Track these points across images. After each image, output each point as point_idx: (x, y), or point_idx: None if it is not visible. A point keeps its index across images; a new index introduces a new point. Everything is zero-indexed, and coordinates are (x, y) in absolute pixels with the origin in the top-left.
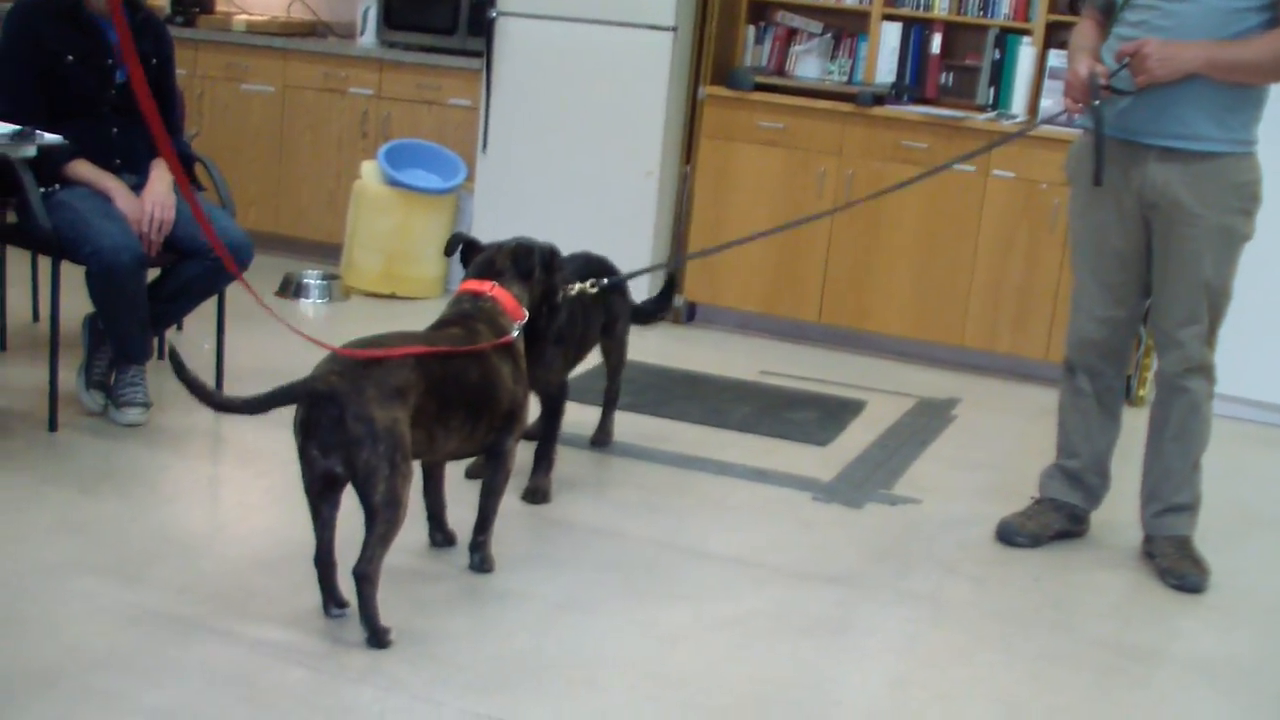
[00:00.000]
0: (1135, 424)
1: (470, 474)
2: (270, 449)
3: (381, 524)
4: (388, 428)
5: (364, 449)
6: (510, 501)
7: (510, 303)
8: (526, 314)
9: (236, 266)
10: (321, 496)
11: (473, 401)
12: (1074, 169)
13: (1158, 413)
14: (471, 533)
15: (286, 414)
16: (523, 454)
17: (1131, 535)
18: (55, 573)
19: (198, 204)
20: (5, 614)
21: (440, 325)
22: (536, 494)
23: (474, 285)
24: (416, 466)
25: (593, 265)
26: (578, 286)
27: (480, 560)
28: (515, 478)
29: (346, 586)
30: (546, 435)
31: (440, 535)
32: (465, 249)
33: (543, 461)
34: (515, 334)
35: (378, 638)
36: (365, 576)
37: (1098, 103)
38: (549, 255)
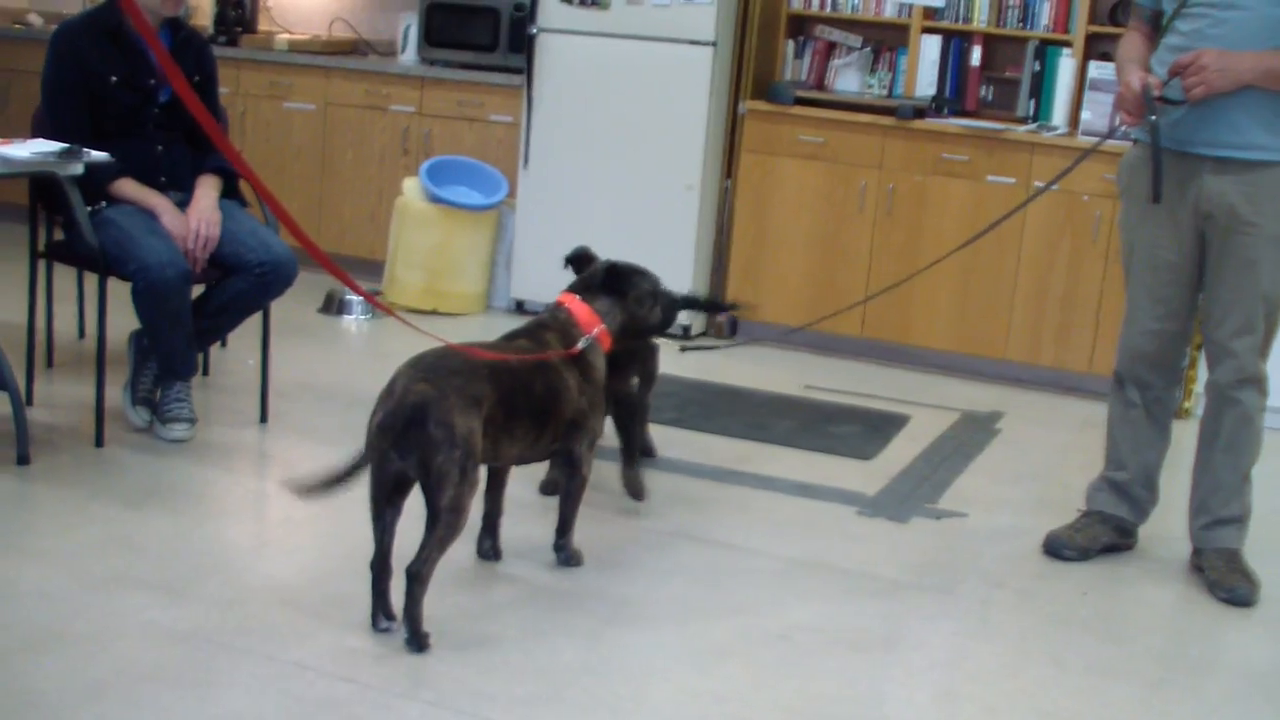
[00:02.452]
0: (1180, 437)
1: (545, 490)
2: (314, 463)
3: (443, 527)
4: (465, 435)
5: (440, 454)
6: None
7: (585, 315)
8: (603, 327)
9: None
10: (388, 500)
11: (537, 411)
12: (1126, 182)
13: (1208, 424)
14: (554, 535)
15: (330, 429)
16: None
17: (1180, 548)
18: (103, 588)
19: (274, 199)
20: (54, 629)
21: (511, 336)
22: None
23: (560, 297)
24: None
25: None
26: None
27: (566, 557)
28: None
29: (397, 598)
30: (628, 434)
31: (490, 544)
32: (578, 262)
33: (630, 458)
34: (582, 346)
35: (418, 640)
36: (418, 576)
37: (1154, 117)
38: (643, 280)
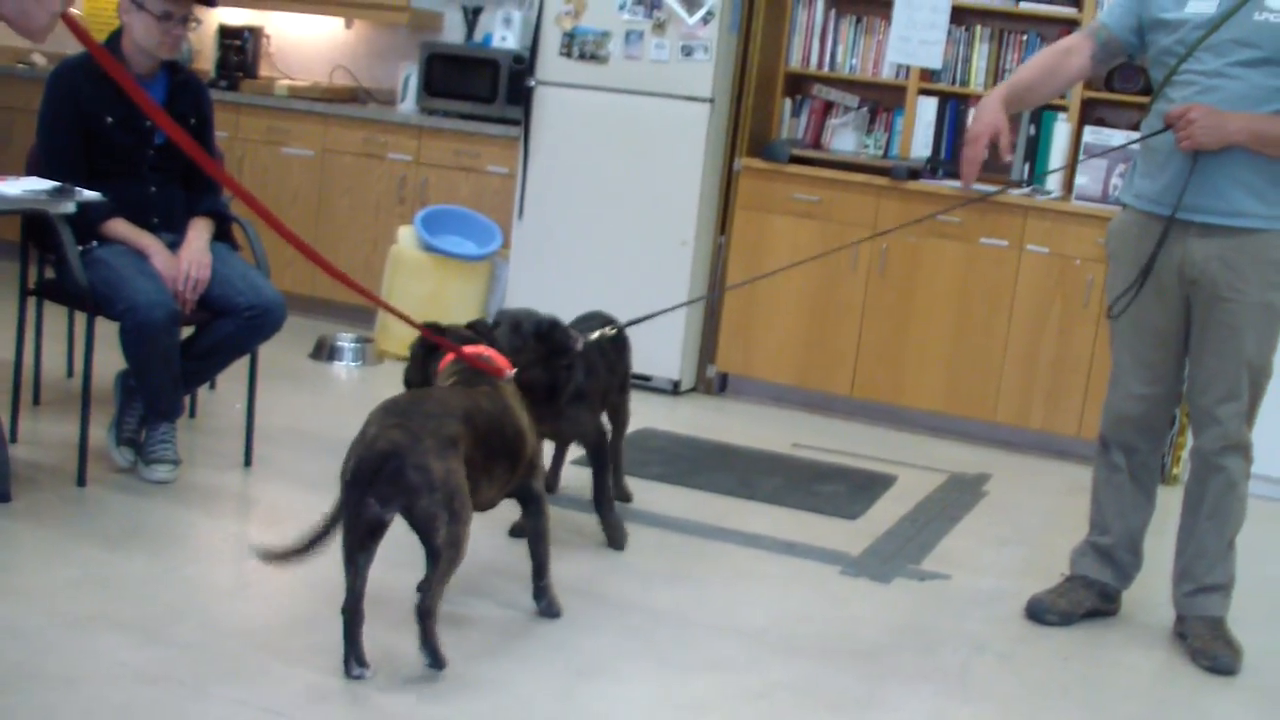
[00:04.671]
0: (1168, 502)
1: (514, 532)
2: (297, 509)
3: (444, 563)
4: (443, 477)
5: (423, 498)
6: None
7: (500, 359)
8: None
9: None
10: (362, 545)
11: (510, 452)
12: (1114, 245)
13: (1193, 491)
14: (533, 580)
15: (315, 475)
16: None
17: (1163, 615)
18: (77, 627)
19: (271, 214)
20: (26, 668)
21: (464, 385)
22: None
23: (467, 349)
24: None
25: (604, 320)
26: (596, 334)
27: (547, 604)
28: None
29: (371, 643)
30: (599, 479)
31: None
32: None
33: (604, 504)
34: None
35: (437, 661)
36: (429, 612)
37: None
38: (545, 325)
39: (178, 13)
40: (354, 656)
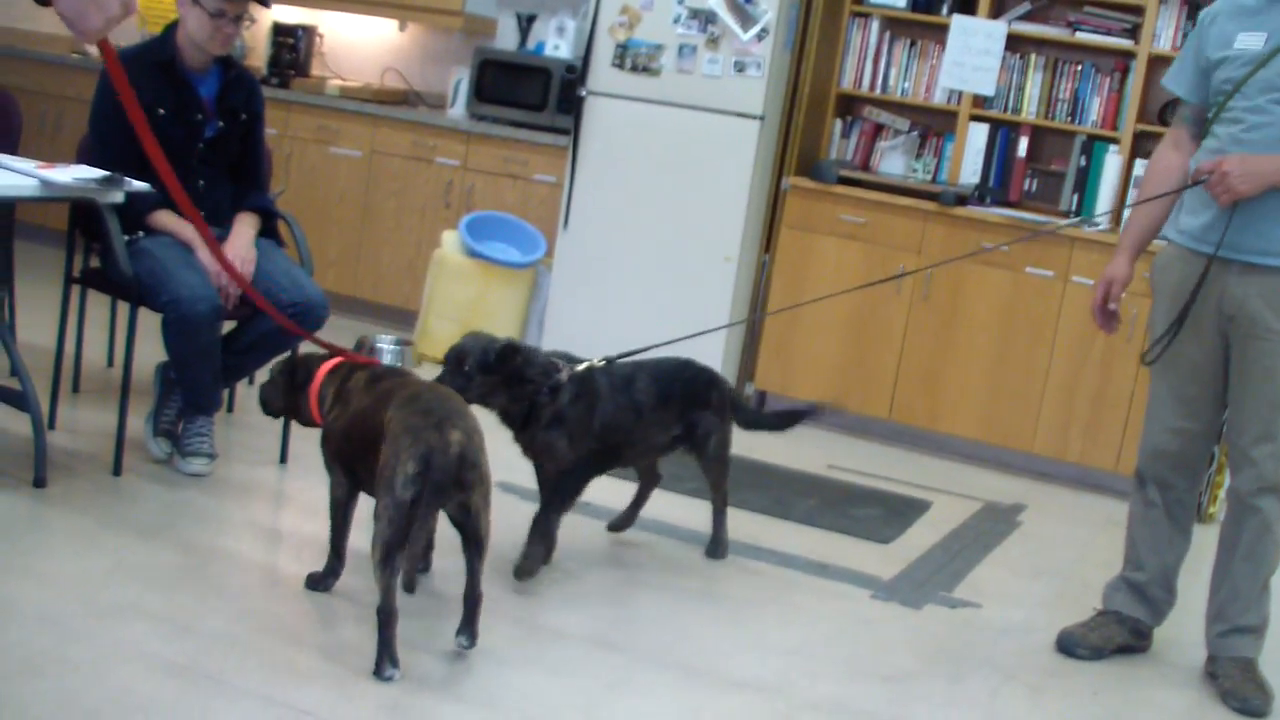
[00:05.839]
0: (1203, 540)
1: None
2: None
3: (485, 552)
4: (487, 472)
5: (477, 493)
6: (559, 578)
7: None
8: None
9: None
10: (404, 545)
11: None
12: (1157, 278)
13: (1228, 531)
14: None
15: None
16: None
17: (1195, 654)
18: (108, 616)
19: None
20: (54, 654)
21: (385, 377)
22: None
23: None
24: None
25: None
26: (583, 365)
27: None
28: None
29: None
30: (542, 510)
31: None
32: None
33: (534, 527)
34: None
35: (475, 640)
36: (481, 596)
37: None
38: (493, 355)
39: (232, 11)
40: (387, 657)
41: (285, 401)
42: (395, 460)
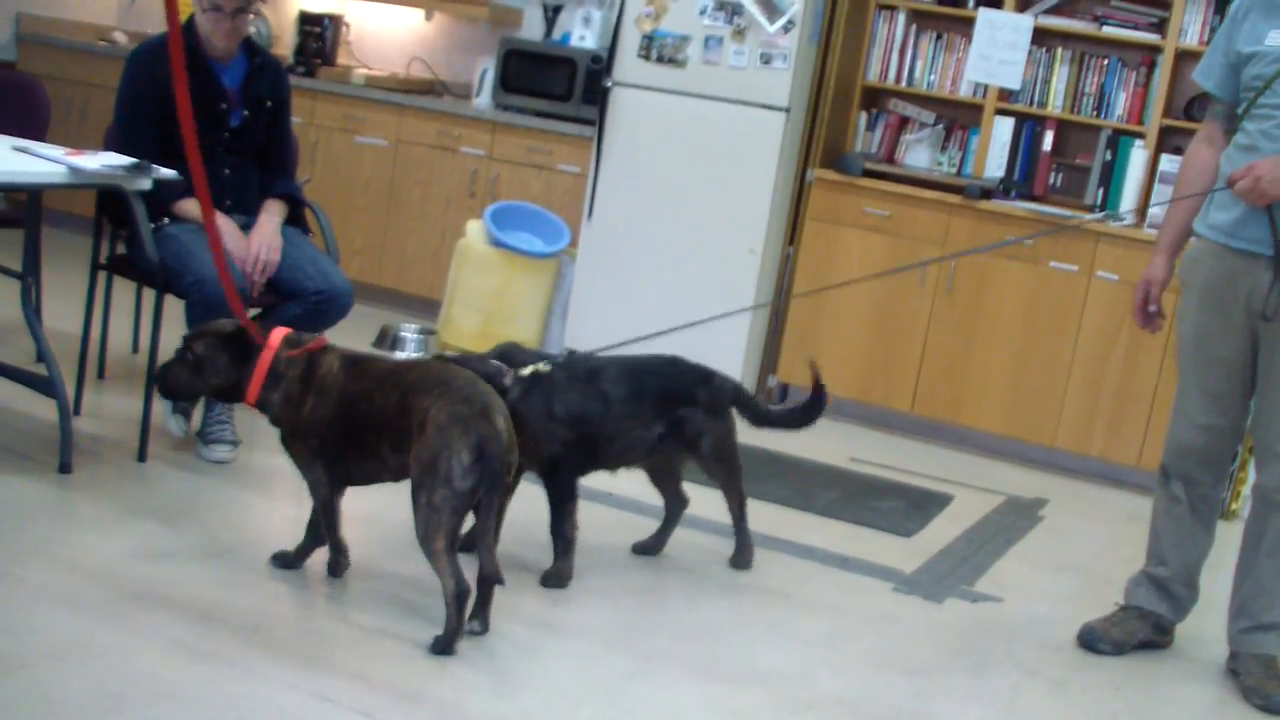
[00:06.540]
0: (1225, 536)
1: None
2: (351, 494)
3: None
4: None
5: (508, 476)
6: (579, 568)
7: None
8: None
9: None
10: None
11: None
12: (1188, 272)
13: (1253, 528)
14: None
15: None
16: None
17: (1217, 650)
18: (132, 602)
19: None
20: (80, 639)
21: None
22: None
23: None
24: None
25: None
26: (529, 368)
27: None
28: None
29: (406, 630)
30: (551, 524)
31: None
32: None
33: (557, 544)
34: None
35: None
36: (500, 578)
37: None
38: None
39: (228, 6)
40: (460, 635)
41: (225, 378)
42: (447, 450)
